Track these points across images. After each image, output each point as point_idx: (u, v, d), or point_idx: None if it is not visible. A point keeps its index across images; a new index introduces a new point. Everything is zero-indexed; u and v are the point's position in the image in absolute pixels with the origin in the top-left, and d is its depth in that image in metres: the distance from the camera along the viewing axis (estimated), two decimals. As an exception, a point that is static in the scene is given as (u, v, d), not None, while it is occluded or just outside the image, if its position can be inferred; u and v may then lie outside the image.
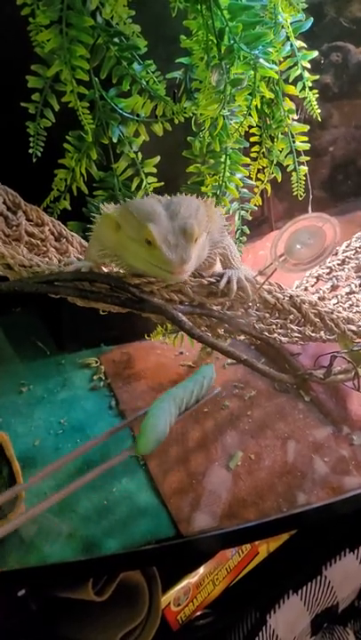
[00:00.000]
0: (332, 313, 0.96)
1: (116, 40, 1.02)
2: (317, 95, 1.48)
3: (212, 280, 0.86)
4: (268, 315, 0.93)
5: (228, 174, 1.25)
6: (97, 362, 1.64)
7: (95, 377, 1.59)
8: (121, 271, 0.88)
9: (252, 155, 1.51)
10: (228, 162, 1.24)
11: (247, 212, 1.38)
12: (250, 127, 1.43)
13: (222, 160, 1.24)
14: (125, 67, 1.05)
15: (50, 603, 1.49)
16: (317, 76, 1.32)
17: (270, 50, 0.96)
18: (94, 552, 1.22)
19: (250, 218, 1.41)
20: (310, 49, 1.32)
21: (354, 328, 1.00)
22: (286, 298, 0.91)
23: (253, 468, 1.40)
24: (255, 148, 1.51)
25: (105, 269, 0.92)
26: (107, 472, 1.37)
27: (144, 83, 1.09)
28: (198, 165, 1.27)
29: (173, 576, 1.51)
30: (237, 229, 1.36)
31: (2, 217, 1.07)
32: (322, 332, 1.01)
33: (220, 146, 1.20)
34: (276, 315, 0.93)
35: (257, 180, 1.54)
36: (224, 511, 1.30)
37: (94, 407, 1.52)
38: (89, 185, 1.22)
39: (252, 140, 1.48)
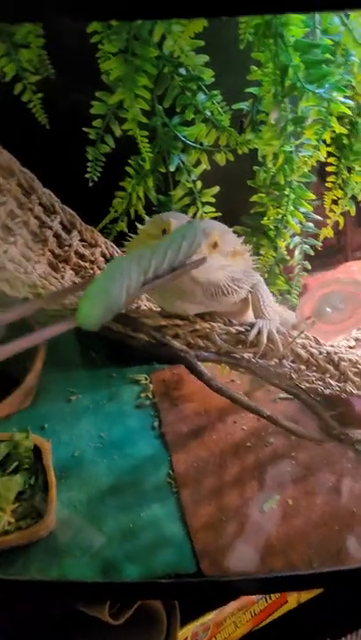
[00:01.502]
0: (374, 372, 0.90)
1: (180, 71, 1.00)
2: None
3: (241, 329, 0.82)
4: (303, 367, 0.88)
5: (291, 208, 1.20)
6: (147, 379, 1.64)
7: (143, 394, 1.59)
8: (152, 308, 0.86)
9: (327, 184, 1.45)
10: (293, 196, 1.19)
11: (310, 247, 1.32)
12: (328, 155, 1.37)
13: (286, 193, 1.19)
14: (189, 96, 1.04)
15: (70, 613, 1.51)
16: None
17: (338, 90, 0.90)
18: (113, 575, 1.21)
19: (312, 253, 1.35)
20: None
21: None
22: (323, 354, 0.85)
23: (289, 513, 1.34)
24: (331, 179, 1.44)
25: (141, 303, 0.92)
26: (138, 494, 1.38)
27: (208, 113, 1.06)
28: (262, 195, 1.24)
29: (194, 610, 1.48)
30: (297, 264, 1.31)
31: (55, 237, 1.08)
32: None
33: (285, 179, 1.16)
34: (314, 369, 0.88)
35: (330, 211, 1.48)
36: (250, 555, 1.26)
37: (137, 425, 1.52)
38: (148, 208, 1.22)
39: (328, 169, 1.41)
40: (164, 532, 1.30)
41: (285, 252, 1.30)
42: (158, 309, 0.84)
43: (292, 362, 0.86)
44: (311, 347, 0.84)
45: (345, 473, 1.41)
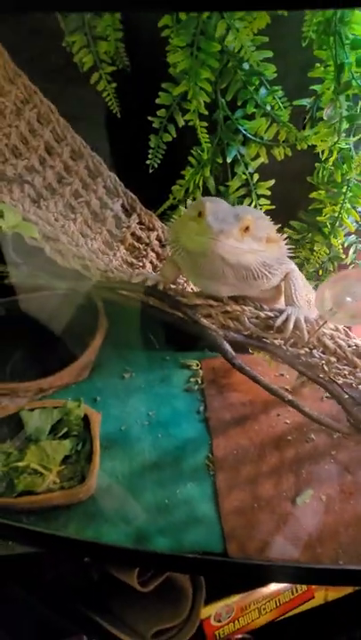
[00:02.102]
0: None
1: (243, 65, 1.04)
2: None
3: (270, 314, 0.86)
4: (334, 359, 0.89)
5: (347, 206, 1.21)
6: (197, 365, 1.69)
7: (192, 379, 1.65)
8: (190, 289, 0.91)
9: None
10: (349, 194, 1.20)
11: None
12: None
13: (343, 191, 1.20)
14: (250, 91, 1.07)
15: (107, 577, 1.59)
16: None
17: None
18: (143, 545, 1.28)
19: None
20: None
21: None
22: (352, 347, 0.87)
23: (321, 509, 1.35)
24: None
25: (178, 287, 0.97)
26: (176, 472, 1.44)
27: (268, 107, 1.10)
28: (321, 192, 1.25)
29: (220, 591, 1.52)
30: (352, 263, 1.31)
31: (114, 218, 1.16)
32: None
33: (342, 176, 1.17)
34: (344, 362, 0.90)
35: None
36: (277, 544, 1.28)
37: (183, 408, 1.57)
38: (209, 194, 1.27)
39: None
40: (196, 511, 1.35)
41: (341, 250, 1.31)
42: (195, 290, 0.89)
43: (323, 352, 0.88)
44: (340, 338, 0.86)
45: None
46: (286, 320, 0.84)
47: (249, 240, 0.79)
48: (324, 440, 1.50)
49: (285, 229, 1.31)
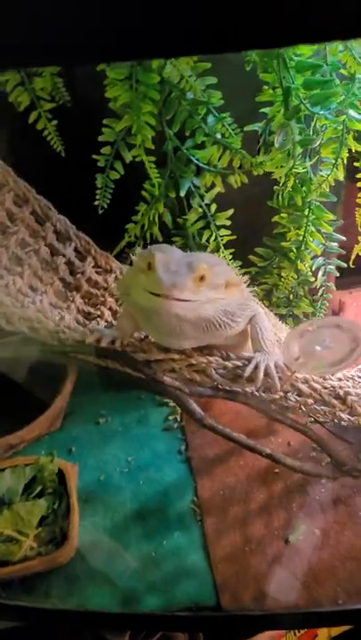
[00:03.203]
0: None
1: (187, 95, 0.99)
2: None
3: (238, 363, 0.79)
4: (311, 401, 0.83)
5: (311, 229, 1.16)
6: (175, 402, 1.62)
7: (171, 417, 1.57)
8: (151, 339, 0.85)
9: (358, 200, 1.39)
10: (312, 216, 1.14)
11: (334, 267, 1.26)
12: (358, 171, 1.31)
13: (305, 214, 1.15)
14: (197, 120, 1.02)
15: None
16: None
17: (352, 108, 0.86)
18: (132, 606, 1.20)
19: (338, 274, 1.29)
20: None
21: None
22: (328, 388, 0.81)
23: (316, 544, 1.28)
24: (361, 194, 1.38)
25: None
26: (162, 521, 1.36)
27: (218, 135, 1.04)
28: (283, 216, 1.20)
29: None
30: (321, 286, 1.25)
31: (67, 264, 1.09)
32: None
33: (303, 199, 1.12)
34: (321, 403, 0.84)
35: (361, 227, 1.42)
36: (272, 590, 1.21)
37: (163, 449, 1.50)
38: (167, 231, 1.20)
39: (359, 185, 1.35)
40: (185, 561, 1.27)
41: (309, 274, 1.26)
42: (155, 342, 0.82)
43: (298, 395, 0.82)
44: (314, 381, 0.80)
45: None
46: (256, 368, 0.77)
47: (205, 290, 0.72)
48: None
49: (251, 257, 1.25)
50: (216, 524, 1.33)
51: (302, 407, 0.85)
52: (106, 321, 0.99)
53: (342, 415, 0.85)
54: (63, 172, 1.18)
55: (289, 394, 0.82)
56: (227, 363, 0.79)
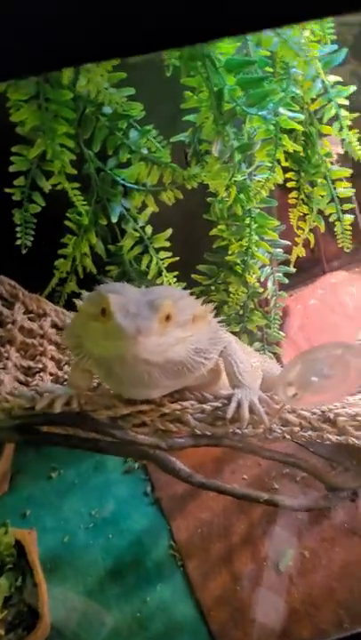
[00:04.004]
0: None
1: (104, 110, 0.88)
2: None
3: (217, 404, 0.69)
4: (298, 429, 0.75)
5: (255, 238, 1.08)
6: (131, 439, 1.50)
7: (129, 458, 1.45)
8: (111, 391, 0.73)
9: (290, 201, 1.34)
10: (254, 225, 1.07)
11: (282, 274, 1.20)
12: (286, 171, 1.26)
13: (247, 223, 1.07)
14: (120, 136, 0.91)
15: None
16: (356, 115, 1.13)
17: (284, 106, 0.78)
18: None
19: (287, 281, 1.23)
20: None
21: None
22: (316, 414, 0.73)
23: (308, 568, 1.20)
24: (294, 194, 1.33)
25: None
26: (140, 575, 1.24)
27: (145, 150, 0.94)
28: (222, 228, 1.11)
29: None
30: (272, 296, 1.18)
31: (-6, 315, 0.95)
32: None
33: (243, 209, 1.04)
34: (309, 429, 0.75)
35: (298, 228, 1.36)
36: (273, 626, 1.12)
37: (128, 494, 1.38)
38: (99, 262, 1.09)
39: (289, 185, 1.30)
40: (174, 615, 1.16)
41: (258, 285, 1.18)
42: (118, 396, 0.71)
43: (284, 425, 0.74)
44: (302, 409, 0.71)
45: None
46: (239, 407, 0.68)
47: (173, 329, 0.62)
48: (289, 486, 1.37)
49: (194, 275, 1.16)
50: (199, 566, 1.23)
51: (286, 436, 0.76)
52: (50, 374, 0.86)
53: (330, 437, 0.78)
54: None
55: (274, 426, 0.73)
56: (204, 405, 0.69)
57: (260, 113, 0.79)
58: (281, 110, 0.91)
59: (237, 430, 0.73)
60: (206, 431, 0.69)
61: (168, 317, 0.62)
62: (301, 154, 1.21)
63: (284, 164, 1.26)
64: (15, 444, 1.41)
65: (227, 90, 0.76)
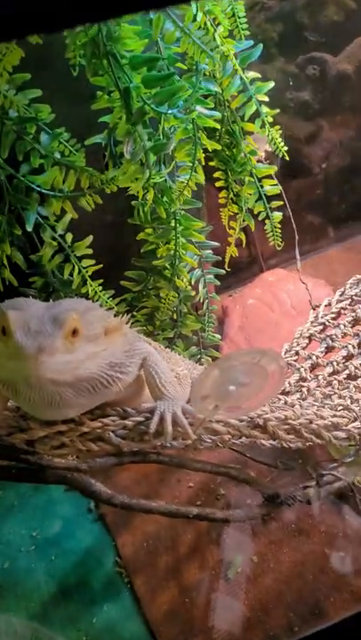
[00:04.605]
0: (310, 423, 0.75)
1: (10, 113, 0.83)
2: (295, 115, 1.28)
3: (139, 419, 0.66)
4: (229, 437, 0.72)
5: (181, 241, 1.05)
6: (72, 454, 1.45)
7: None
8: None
9: (220, 201, 1.32)
10: (180, 227, 1.04)
11: (213, 276, 1.17)
12: (214, 170, 1.24)
13: (172, 226, 1.04)
14: (29, 141, 0.86)
15: None
16: (276, 111, 1.12)
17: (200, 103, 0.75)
18: None
19: (218, 282, 1.21)
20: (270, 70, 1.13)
21: (342, 434, 0.79)
22: (244, 421, 0.70)
23: (257, 573, 1.18)
24: (223, 194, 1.31)
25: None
26: (86, 596, 1.19)
27: (57, 155, 0.90)
28: (149, 232, 1.08)
29: None
30: (205, 299, 1.16)
31: None
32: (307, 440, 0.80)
33: (167, 211, 1.01)
34: (239, 437, 0.73)
35: (230, 228, 1.34)
36: (225, 637, 1.09)
37: (71, 512, 1.33)
38: (21, 273, 1.04)
39: (218, 184, 1.28)
40: (122, 635, 1.11)
41: (190, 289, 1.15)
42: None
43: (213, 435, 0.71)
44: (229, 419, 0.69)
45: (306, 510, 1.26)
46: (162, 420, 0.65)
47: (82, 344, 0.58)
48: (235, 491, 1.34)
49: (123, 282, 1.12)
50: (147, 581, 1.19)
51: (219, 444, 0.74)
52: None
53: (264, 442, 0.75)
54: None
55: (203, 436, 0.70)
56: (126, 421, 0.65)
57: (169, 112, 0.76)
58: (198, 108, 0.89)
59: (166, 444, 0.70)
60: (131, 447, 0.66)
61: (75, 332, 0.58)
62: (227, 153, 1.19)
63: (211, 163, 1.25)
64: None
65: (133, 88, 0.73)
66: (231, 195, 1.28)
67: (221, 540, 1.24)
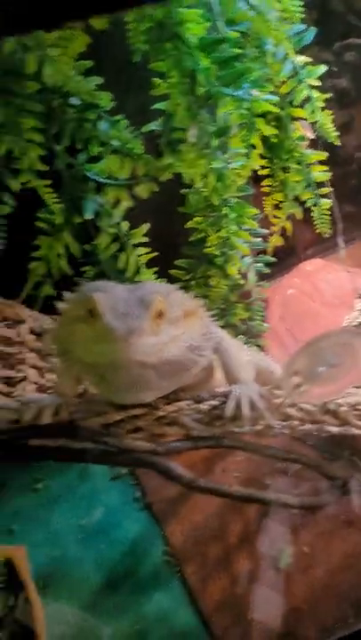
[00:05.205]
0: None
1: (72, 101, 0.83)
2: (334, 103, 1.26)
3: (214, 403, 0.66)
4: (297, 423, 0.71)
5: (233, 228, 1.05)
6: (116, 444, 1.45)
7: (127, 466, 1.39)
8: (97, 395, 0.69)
9: (264, 189, 1.31)
10: (233, 215, 1.03)
11: (263, 264, 1.17)
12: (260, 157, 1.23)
13: (225, 213, 1.03)
14: (89, 128, 0.87)
15: None
16: (328, 95, 1.11)
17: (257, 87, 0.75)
18: None
19: (268, 271, 1.20)
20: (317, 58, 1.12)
21: None
22: (317, 406, 0.69)
23: (308, 564, 1.17)
24: (267, 182, 1.30)
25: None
26: (136, 585, 1.19)
27: (116, 142, 0.89)
28: (199, 220, 1.08)
29: None
30: (255, 286, 1.15)
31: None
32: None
33: (220, 198, 1.00)
34: (310, 423, 0.72)
35: (274, 217, 1.33)
36: (276, 627, 1.09)
37: (117, 501, 1.33)
38: (73, 262, 1.04)
39: (261, 172, 1.27)
40: (174, 624, 1.12)
41: (239, 277, 1.15)
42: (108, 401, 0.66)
43: (284, 420, 0.70)
44: (304, 403, 0.68)
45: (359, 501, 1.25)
46: (238, 404, 0.65)
47: (166, 327, 0.58)
48: (283, 480, 1.34)
49: (172, 271, 1.12)
50: (197, 571, 1.19)
51: (285, 431, 0.73)
52: (38, 384, 0.81)
53: (331, 429, 0.75)
54: None
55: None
56: (201, 406, 0.65)
57: (235, 93, 0.75)
58: (255, 92, 0.88)
59: (235, 429, 0.70)
60: (204, 432, 0.66)
61: (160, 314, 0.58)
62: (274, 140, 1.18)
63: (256, 151, 1.24)
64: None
65: (201, 71, 0.73)
66: (276, 183, 1.27)
67: (270, 528, 1.23)
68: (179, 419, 0.64)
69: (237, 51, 0.74)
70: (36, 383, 0.85)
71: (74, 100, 0.84)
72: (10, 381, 0.85)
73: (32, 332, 0.96)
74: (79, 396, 0.71)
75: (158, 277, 1.06)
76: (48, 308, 1.06)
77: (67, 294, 0.66)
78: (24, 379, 0.84)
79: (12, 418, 0.64)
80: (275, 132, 1.01)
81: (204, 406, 0.65)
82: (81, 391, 0.74)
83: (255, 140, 0.96)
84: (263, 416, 0.64)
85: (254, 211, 1.03)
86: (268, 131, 0.95)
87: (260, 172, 1.26)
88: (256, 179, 1.31)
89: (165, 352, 0.59)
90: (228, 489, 0.66)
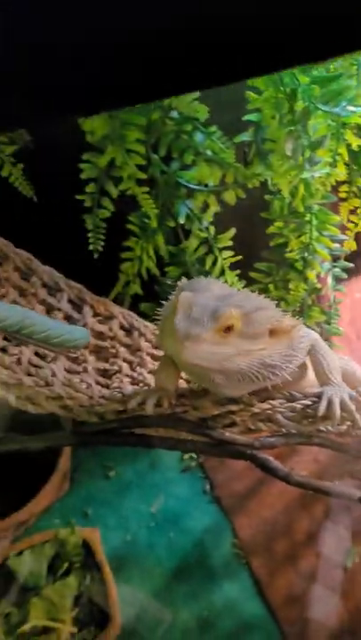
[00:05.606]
0: None
1: (171, 114, 0.89)
2: None
3: (307, 402, 0.70)
4: (381, 425, 0.74)
5: (315, 234, 1.08)
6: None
7: (186, 456, 1.46)
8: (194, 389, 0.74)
9: (340, 195, 1.33)
10: (315, 221, 1.07)
11: (341, 269, 1.19)
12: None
13: (308, 220, 1.07)
14: (186, 139, 0.92)
15: None
16: None
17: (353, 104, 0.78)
18: None
19: (345, 276, 1.22)
20: None
21: None
22: None
23: (374, 565, 1.20)
24: (344, 188, 1.32)
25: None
26: (205, 573, 1.25)
27: (209, 152, 0.95)
28: (280, 225, 1.12)
29: None
30: (333, 291, 1.18)
31: (66, 319, 0.96)
32: None
33: (304, 205, 1.04)
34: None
35: (349, 222, 1.36)
36: (343, 626, 1.12)
37: (187, 492, 1.39)
38: (161, 261, 1.10)
39: (339, 178, 1.29)
40: (243, 614, 1.16)
41: (316, 281, 1.18)
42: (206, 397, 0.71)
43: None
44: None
45: None
46: (330, 405, 0.68)
47: (235, 340, 0.61)
48: (347, 482, 1.36)
49: (252, 274, 1.17)
50: (264, 564, 1.23)
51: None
52: (131, 377, 0.87)
53: None
54: (36, 219, 1.06)
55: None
56: (294, 404, 0.69)
57: (333, 110, 0.79)
58: (351, 108, 0.91)
59: (322, 428, 0.73)
60: (295, 429, 0.70)
61: (229, 328, 0.61)
62: (353, 147, 1.20)
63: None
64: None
65: (301, 89, 0.77)
66: (354, 189, 1.29)
67: (336, 527, 1.26)
68: (273, 416, 0.68)
69: (338, 70, 0.78)
70: (128, 376, 0.91)
71: (173, 113, 0.89)
72: (105, 374, 0.91)
73: (122, 327, 1.02)
74: (177, 390, 0.76)
75: (239, 280, 1.10)
76: (135, 306, 1.13)
77: (183, 281, 0.71)
78: (119, 371, 0.90)
79: (118, 408, 0.70)
80: (359, 142, 1.03)
81: (298, 405, 0.69)
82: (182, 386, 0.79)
83: (342, 150, 0.99)
84: (353, 417, 0.68)
85: (336, 218, 1.06)
86: (356, 142, 0.97)
87: (337, 179, 1.29)
88: (333, 185, 1.35)
89: (228, 362, 0.62)
90: (323, 485, 0.69)
